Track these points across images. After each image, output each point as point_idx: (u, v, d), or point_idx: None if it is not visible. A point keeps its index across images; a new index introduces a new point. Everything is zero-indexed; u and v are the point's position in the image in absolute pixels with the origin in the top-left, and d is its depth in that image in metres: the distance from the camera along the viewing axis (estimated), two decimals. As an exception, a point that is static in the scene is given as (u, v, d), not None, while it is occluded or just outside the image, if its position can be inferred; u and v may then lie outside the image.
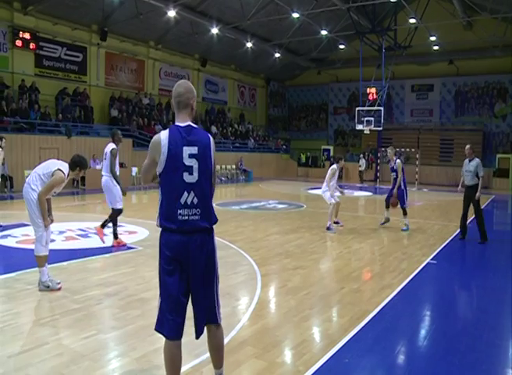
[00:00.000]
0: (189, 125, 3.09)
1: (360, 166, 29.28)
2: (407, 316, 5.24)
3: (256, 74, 36.07)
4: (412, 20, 24.78)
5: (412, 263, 7.60)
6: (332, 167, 10.97)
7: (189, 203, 2.97)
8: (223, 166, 27.42)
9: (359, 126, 26.12)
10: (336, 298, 5.73)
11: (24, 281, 5.81)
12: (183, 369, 3.68)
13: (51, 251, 6.09)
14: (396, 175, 10.94)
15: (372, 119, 25.48)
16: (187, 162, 2.98)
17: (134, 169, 22.43)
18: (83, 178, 19.22)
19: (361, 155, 30.10)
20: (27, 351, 4.07)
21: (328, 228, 10.53)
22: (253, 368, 3.83)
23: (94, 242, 8.68)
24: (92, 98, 23.39)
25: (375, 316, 5.08)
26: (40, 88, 21.06)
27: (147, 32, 25.44)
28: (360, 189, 24.22)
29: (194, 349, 4.04)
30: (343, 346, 4.27)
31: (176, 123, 3.12)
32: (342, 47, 30.31)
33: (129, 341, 4.31)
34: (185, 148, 2.99)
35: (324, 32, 26.41)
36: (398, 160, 10.96)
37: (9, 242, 8.49)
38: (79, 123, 21.60)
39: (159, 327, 3.10)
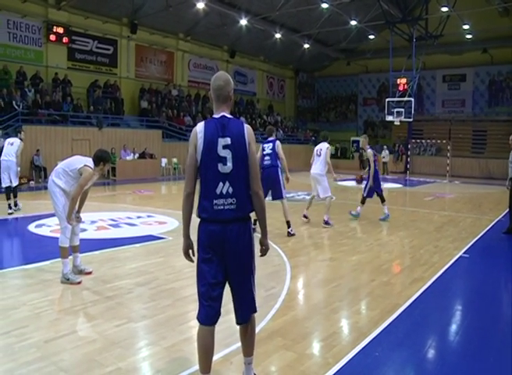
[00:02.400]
0: (223, 116, 3.11)
1: (383, 157, 28.72)
2: (439, 311, 5.16)
3: (285, 65, 35.88)
4: (444, 9, 24.24)
5: (444, 257, 7.46)
6: (326, 146, 9.95)
7: (224, 193, 3.02)
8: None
9: (389, 118, 25.75)
10: (366, 291, 5.68)
11: (58, 269, 5.93)
12: (214, 358, 3.72)
13: (82, 240, 6.23)
14: (369, 164, 10.75)
15: (402, 110, 25.09)
16: (222, 153, 3.02)
17: (164, 160, 22.68)
18: (113, 169, 19.54)
19: (385, 147, 29.51)
20: (62, 336, 4.17)
21: (326, 222, 9.93)
22: (282, 359, 3.83)
23: (124, 232, 8.81)
24: (122, 90, 23.71)
25: (405, 309, 5.02)
26: (73, 81, 21.47)
27: (177, 24, 25.55)
28: (389, 181, 23.88)
29: (225, 339, 4.07)
30: (373, 339, 4.23)
31: (214, 116, 3.15)
32: (371, 37, 29.86)
33: (159, 330, 4.37)
34: (220, 140, 3.03)
35: (353, 22, 26.09)
36: (369, 150, 10.70)
37: (44, 231, 8.72)
38: (110, 114, 21.93)
39: (199, 315, 3.18)
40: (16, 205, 11.14)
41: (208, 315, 3.12)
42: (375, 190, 10.79)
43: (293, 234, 8.63)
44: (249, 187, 3.11)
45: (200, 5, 22.18)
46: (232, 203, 3.04)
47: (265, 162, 8.83)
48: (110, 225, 9.51)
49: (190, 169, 3.11)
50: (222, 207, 3.03)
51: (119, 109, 22.71)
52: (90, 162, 5.70)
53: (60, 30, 21.19)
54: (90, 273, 6.00)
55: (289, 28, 27.81)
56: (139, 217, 10.45)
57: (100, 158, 5.74)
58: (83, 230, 8.22)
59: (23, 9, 20.15)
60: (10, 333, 4.17)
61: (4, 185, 10.96)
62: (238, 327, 3.34)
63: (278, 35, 27.36)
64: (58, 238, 5.78)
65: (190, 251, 3.27)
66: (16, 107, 18.25)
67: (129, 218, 10.28)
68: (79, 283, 5.62)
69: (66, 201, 5.67)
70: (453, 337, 4.52)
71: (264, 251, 3.33)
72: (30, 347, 3.92)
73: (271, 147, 8.91)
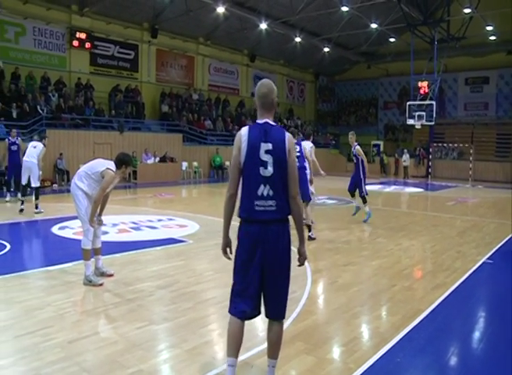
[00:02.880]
0: (266, 122, 3.25)
1: (404, 161, 28.34)
2: (462, 317, 5.09)
3: (305, 69, 35.85)
4: (467, 10, 23.92)
5: (467, 262, 7.36)
6: (308, 144, 9.67)
7: (265, 195, 3.14)
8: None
9: (410, 121, 25.52)
10: (387, 296, 5.63)
11: (81, 271, 6.01)
12: (226, 366, 3.74)
13: (104, 243, 6.29)
14: (357, 159, 10.78)
15: (424, 113, 24.83)
16: (263, 157, 3.15)
17: (184, 164, 22.84)
18: (134, 172, 19.76)
19: (405, 150, 29.10)
20: (85, 337, 4.23)
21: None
22: (303, 363, 3.82)
23: (145, 235, 8.89)
24: (143, 94, 23.95)
25: (427, 315, 4.96)
26: (95, 85, 21.77)
27: (197, 28, 25.74)
28: (410, 185, 23.63)
29: (245, 343, 4.07)
30: (395, 345, 4.19)
31: (257, 121, 3.29)
32: (392, 40, 29.65)
33: (180, 332, 4.39)
34: (262, 144, 3.17)
35: (374, 25, 25.91)
36: (358, 146, 10.68)
37: (67, 233, 8.85)
38: (131, 118, 22.17)
39: (230, 309, 3.27)
40: (36, 207, 11.41)
41: (241, 310, 3.22)
42: (354, 183, 10.87)
43: (314, 238, 8.59)
44: (287, 192, 3.20)
45: (221, 10, 22.31)
46: (272, 205, 3.15)
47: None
48: (131, 228, 9.60)
49: (233, 170, 3.22)
50: (263, 208, 3.15)
51: (140, 113, 22.96)
52: (112, 165, 5.76)
53: (83, 36, 21.55)
54: (111, 275, 6.05)
55: (309, 32, 27.77)
56: (160, 220, 10.54)
57: (122, 161, 5.80)
58: (105, 232, 8.32)
59: (48, 17, 20.55)
60: (36, 333, 4.25)
61: (23, 183, 11.52)
62: (259, 331, 3.34)
63: (298, 39, 27.34)
64: (80, 240, 5.86)
65: (228, 249, 3.39)
66: (41, 111, 18.59)
67: (150, 221, 10.37)
68: (100, 285, 5.68)
69: (89, 204, 5.74)
70: (477, 345, 4.45)
71: (302, 260, 3.38)
72: (54, 347, 3.98)
73: (298, 149, 8.91)
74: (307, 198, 8.80)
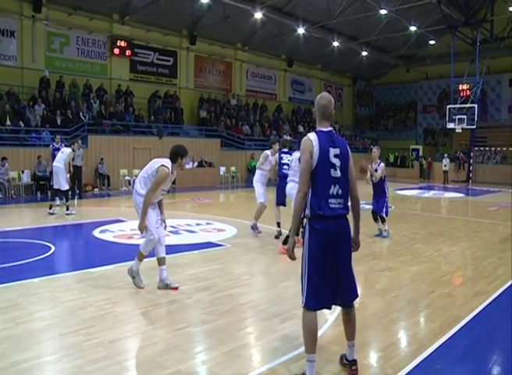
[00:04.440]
0: (331, 131, 3.66)
1: (444, 165, 27.59)
2: (504, 326, 4.95)
3: (342, 73, 35.64)
4: (512, 8, 23.25)
5: (509, 269, 7.14)
6: (264, 153, 9.78)
7: (335, 194, 3.53)
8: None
9: (450, 125, 25.02)
10: (426, 302, 5.54)
11: (122, 273, 6.17)
12: (271, 365, 3.79)
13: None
14: (383, 178, 9.53)
15: (465, 117, 24.30)
16: (333, 160, 3.54)
17: (222, 169, 23.04)
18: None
19: (445, 155, 28.32)
20: (125, 338, 4.36)
21: (252, 227, 9.66)
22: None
23: (184, 239, 9.03)
24: (182, 100, 24.32)
25: (467, 322, 4.86)
26: (135, 92, 22.28)
27: (235, 34, 26.01)
28: (450, 190, 23.11)
29: (281, 347, 4.11)
30: (434, 352, 4.12)
31: (320, 129, 3.65)
32: (432, 42, 29.11)
33: (218, 335, 4.45)
34: (330, 149, 3.55)
35: (413, 28, 25.54)
36: (382, 164, 9.49)
37: (107, 237, 9.10)
38: (169, 124, 22.54)
39: (309, 304, 3.51)
40: (67, 209, 11.94)
41: (323, 302, 3.53)
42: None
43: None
44: (351, 191, 3.65)
45: (258, 15, 22.46)
46: (340, 203, 3.55)
47: (284, 171, 9.03)
48: (170, 232, 9.74)
49: (305, 172, 3.53)
50: (334, 205, 3.52)
51: (178, 119, 23.33)
52: (167, 161, 5.64)
53: (123, 44, 22.15)
54: (176, 288, 5.79)
55: (347, 36, 27.60)
56: (198, 224, 10.68)
57: (176, 153, 5.69)
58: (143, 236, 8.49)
59: (90, 26, 21.22)
60: (79, 332, 4.41)
61: (55, 187, 12.14)
62: (295, 336, 3.38)
63: (335, 43, 27.21)
64: (120, 244, 5.97)
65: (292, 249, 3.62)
66: (83, 118, 19.16)
67: (189, 225, 10.52)
68: (142, 288, 5.74)
69: (152, 211, 5.70)
70: (520, 354, 4.33)
71: (356, 248, 3.78)
72: (96, 345, 4.12)
73: (289, 158, 8.97)
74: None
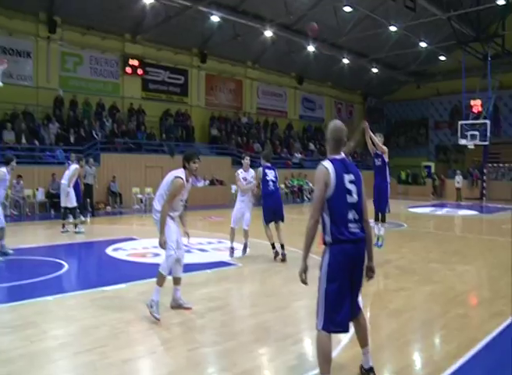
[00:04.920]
0: (344, 158, 3.80)
1: (457, 182, 27.31)
2: (522, 347, 4.86)
3: (353, 90, 35.76)
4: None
5: (526, 289, 7.04)
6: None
7: (353, 219, 3.65)
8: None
9: (462, 141, 24.90)
10: (441, 323, 5.46)
11: (134, 292, 6.18)
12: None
13: (154, 265, 6.28)
14: (383, 161, 9.16)
15: (477, 133, 24.17)
16: (348, 186, 3.67)
17: (233, 187, 23.03)
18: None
19: (458, 172, 28.06)
20: (138, 358, 4.35)
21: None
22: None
23: (196, 257, 9.01)
24: (193, 118, 24.55)
25: (485, 345, 4.77)
26: (146, 110, 22.56)
27: (245, 52, 26.27)
28: (463, 207, 22.90)
29: (301, 365, 4.07)
30: (451, 375, 4.06)
31: (333, 156, 3.76)
32: (442, 58, 29.18)
33: (230, 356, 4.41)
34: (345, 176, 3.68)
35: (423, 44, 25.63)
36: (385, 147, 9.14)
37: (120, 255, 9.12)
38: (181, 142, 22.70)
39: (326, 326, 3.58)
40: (75, 226, 11.92)
41: (337, 325, 3.59)
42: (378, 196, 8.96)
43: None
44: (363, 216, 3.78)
45: (268, 34, 22.71)
46: (357, 227, 3.67)
47: (271, 188, 8.93)
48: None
49: (319, 200, 3.64)
50: (353, 230, 3.64)
51: (190, 137, 23.50)
52: (180, 171, 5.53)
53: (135, 63, 22.50)
54: (189, 308, 5.72)
55: (357, 53, 27.76)
56: (210, 243, 10.68)
57: (185, 158, 5.59)
58: (157, 254, 8.52)
59: (103, 46, 21.63)
60: (92, 351, 4.41)
61: (62, 205, 12.06)
62: (309, 357, 3.36)
63: (345, 60, 27.38)
64: (133, 262, 5.97)
65: (304, 274, 3.70)
66: (96, 136, 19.39)
67: (201, 244, 10.51)
68: (157, 320, 5.25)
69: (172, 226, 5.59)
70: (539, 377, 4.23)
71: (372, 274, 3.90)
72: (110, 365, 4.11)
73: (273, 174, 8.98)
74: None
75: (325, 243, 3.69)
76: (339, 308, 3.57)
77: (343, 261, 3.59)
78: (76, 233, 11.76)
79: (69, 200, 11.82)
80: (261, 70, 28.55)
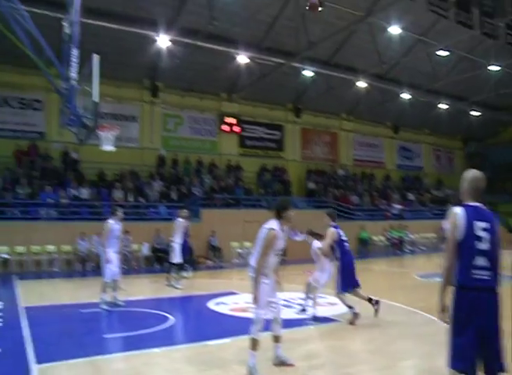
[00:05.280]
0: (478, 206, 3.78)
1: None
2: None
3: (452, 136, 34.31)
4: None
5: None
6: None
7: (480, 266, 3.60)
8: (422, 235, 25.77)
9: None
10: None
11: (238, 347, 6.08)
12: None
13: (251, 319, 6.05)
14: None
15: None
16: (479, 233, 3.64)
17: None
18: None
19: None
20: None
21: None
22: None
23: (297, 313, 8.79)
24: (290, 172, 24.80)
25: None
26: (244, 166, 23.21)
27: (339, 104, 26.41)
28: None
29: None
30: None
31: (468, 203, 3.79)
32: (550, 95, 27.24)
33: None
34: (477, 223, 3.66)
35: (528, 82, 24.18)
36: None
37: (223, 309, 9.16)
38: (278, 196, 22.85)
39: (452, 364, 3.58)
40: (176, 281, 11.98)
41: (464, 363, 3.54)
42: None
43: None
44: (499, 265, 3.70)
45: (361, 84, 22.74)
46: (486, 275, 3.60)
47: (347, 248, 8.47)
48: (283, 305, 9.55)
49: (450, 242, 3.69)
50: (479, 277, 3.58)
51: (287, 191, 23.60)
52: (271, 223, 5.44)
53: (232, 121, 23.47)
54: (292, 365, 5.51)
55: (455, 96, 26.76)
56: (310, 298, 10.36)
57: (278, 207, 5.56)
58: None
59: (201, 106, 22.92)
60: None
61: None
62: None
63: (443, 105, 26.52)
64: (236, 317, 5.90)
65: (444, 313, 3.70)
66: (196, 193, 20.19)
67: (301, 299, 10.23)
68: None
69: (267, 285, 5.37)
70: None
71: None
72: None
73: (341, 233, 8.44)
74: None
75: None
76: (464, 348, 3.52)
77: (465, 307, 3.57)
78: (174, 287, 11.99)
79: (173, 255, 12.06)
80: (355, 121, 28.46)
